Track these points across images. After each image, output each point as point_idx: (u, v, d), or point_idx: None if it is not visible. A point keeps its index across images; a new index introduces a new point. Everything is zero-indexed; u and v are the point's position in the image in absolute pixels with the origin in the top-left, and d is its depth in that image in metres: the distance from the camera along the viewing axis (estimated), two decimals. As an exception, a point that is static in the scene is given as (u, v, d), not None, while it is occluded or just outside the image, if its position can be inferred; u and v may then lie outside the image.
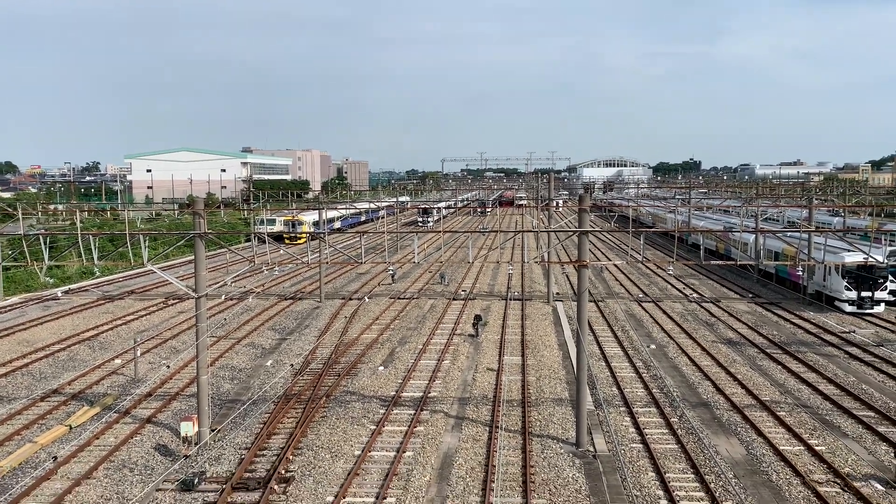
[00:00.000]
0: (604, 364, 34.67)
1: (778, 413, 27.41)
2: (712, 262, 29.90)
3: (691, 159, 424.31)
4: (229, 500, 20.57)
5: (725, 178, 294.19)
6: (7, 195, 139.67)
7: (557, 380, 32.09)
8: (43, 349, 37.60)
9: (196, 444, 24.10)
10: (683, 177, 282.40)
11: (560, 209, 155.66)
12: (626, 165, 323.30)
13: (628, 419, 26.99)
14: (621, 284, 60.01)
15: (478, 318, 41.15)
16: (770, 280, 59.96)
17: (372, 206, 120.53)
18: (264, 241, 75.91)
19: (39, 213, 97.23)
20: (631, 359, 35.60)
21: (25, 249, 38.75)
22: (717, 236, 72.97)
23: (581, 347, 24.40)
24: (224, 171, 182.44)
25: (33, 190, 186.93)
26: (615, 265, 70.38)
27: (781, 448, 23.96)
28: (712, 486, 21.20)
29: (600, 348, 37.58)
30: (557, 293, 54.56)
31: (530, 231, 28.28)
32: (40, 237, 35.55)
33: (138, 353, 33.70)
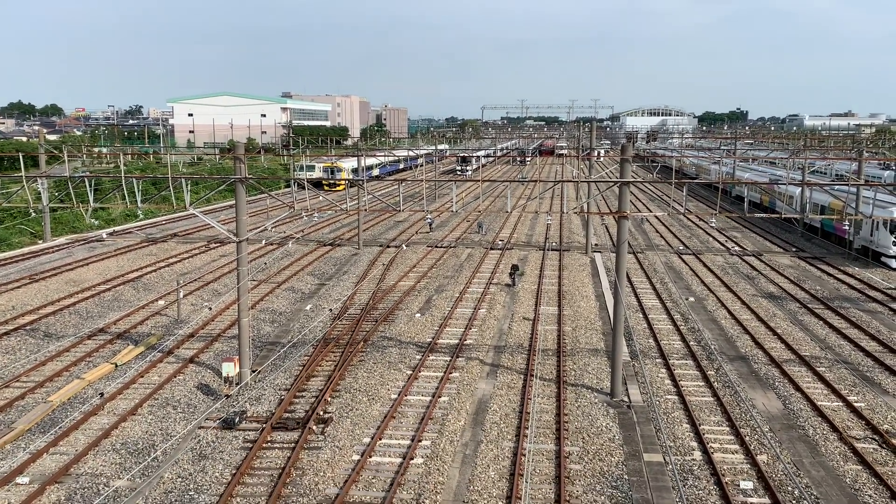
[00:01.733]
0: (641, 316, 34.55)
1: (817, 368, 27.15)
2: (756, 214, 29.33)
3: (738, 109, 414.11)
4: (269, 438, 21.17)
5: (773, 128, 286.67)
6: (53, 137, 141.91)
7: (593, 330, 32.11)
8: (89, 289, 38.63)
9: (237, 384, 24.74)
10: (729, 127, 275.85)
11: (602, 159, 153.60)
12: (670, 115, 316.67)
13: (664, 371, 26.98)
14: (662, 236, 59.39)
15: (515, 267, 41.16)
16: (815, 234, 58.79)
17: (411, 153, 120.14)
18: (304, 188, 76.42)
19: (84, 156, 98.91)
20: (669, 311, 35.40)
21: (71, 191, 39.56)
22: (761, 189, 71.51)
23: (619, 298, 24.32)
24: (264, 116, 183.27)
25: (78, 132, 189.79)
26: (656, 217, 69.56)
27: (819, 403, 23.79)
28: (747, 438, 21.20)
29: (638, 300, 37.41)
30: (596, 244, 54.21)
31: (570, 181, 27.99)
32: (85, 179, 36.23)
33: (181, 295, 34.46)
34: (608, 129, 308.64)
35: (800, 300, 37.76)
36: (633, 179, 25.02)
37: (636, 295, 38.46)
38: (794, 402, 24.01)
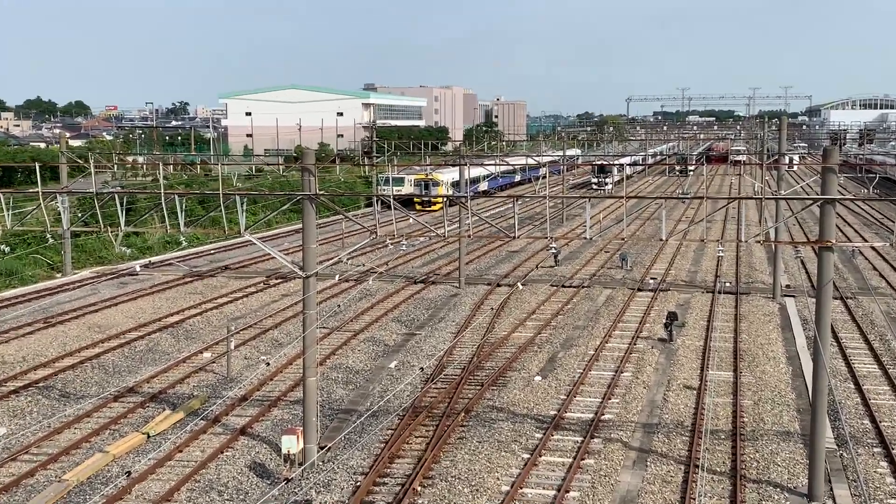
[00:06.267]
0: (852, 386, 33.47)
1: None
2: None
3: None
4: (340, 539, 21.37)
5: None
6: (77, 143, 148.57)
7: (784, 405, 31.21)
8: (117, 336, 40.32)
9: (300, 464, 25.13)
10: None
11: (795, 168, 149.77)
12: (892, 107, 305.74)
13: (885, 464, 25.91)
14: (882, 275, 57.31)
15: (672, 316, 40.53)
16: None
17: (530, 161, 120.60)
18: (389, 207, 77.71)
19: (115, 167, 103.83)
20: (893, 381, 34.02)
21: (98, 211, 41.45)
22: None
23: (821, 362, 23.57)
24: (341, 114, 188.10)
25: (108, 137, 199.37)
26: (873, 248, 67.13)
27: None
28: None
29: (848, 364, 36.21)
30: (788, 285, 52.88)
31: (751, 198, 27.47)
32: (116, 196, 37.95)
33: (232, 346, 35.43)
34: (804, 126, 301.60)
35: None
36: (841, 196, 24.25)
37: (845, 357, 37.24)
38: None
